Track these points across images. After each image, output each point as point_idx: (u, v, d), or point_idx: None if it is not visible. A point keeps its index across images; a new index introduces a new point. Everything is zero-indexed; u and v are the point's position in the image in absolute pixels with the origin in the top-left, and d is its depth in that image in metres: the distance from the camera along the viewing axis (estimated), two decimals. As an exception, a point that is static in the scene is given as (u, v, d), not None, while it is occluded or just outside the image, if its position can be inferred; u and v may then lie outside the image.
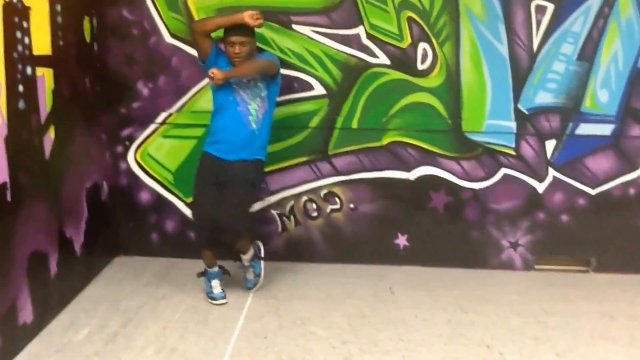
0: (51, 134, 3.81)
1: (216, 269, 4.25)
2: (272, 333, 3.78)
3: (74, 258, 4.20)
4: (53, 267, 3.85)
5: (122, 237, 4.89)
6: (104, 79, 4.60)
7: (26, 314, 3.52)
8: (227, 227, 4.06)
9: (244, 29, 3.85)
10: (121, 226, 4.88)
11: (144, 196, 4.84)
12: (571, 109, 4.58)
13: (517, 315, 4.06)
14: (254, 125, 3.96)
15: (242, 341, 3.68)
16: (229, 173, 4.00)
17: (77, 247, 4.23)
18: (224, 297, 4.17)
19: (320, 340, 3.71)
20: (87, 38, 4.38)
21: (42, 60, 3.70)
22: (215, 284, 4.22)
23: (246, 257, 4.28)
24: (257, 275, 4.31)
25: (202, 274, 4.26)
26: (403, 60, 4.54)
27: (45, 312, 3.77)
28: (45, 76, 3.73)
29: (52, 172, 3.85)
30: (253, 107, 3.95)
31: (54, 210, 3.88)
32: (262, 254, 4.35)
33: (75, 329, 3.76)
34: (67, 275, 4.05)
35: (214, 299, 4.16)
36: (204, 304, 4.16)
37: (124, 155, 4.77)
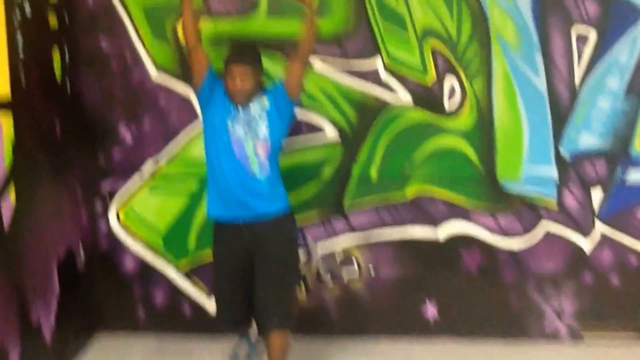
0: (11, 198, 3.30)
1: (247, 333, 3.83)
2: None
3: (43, 348, 3.64)
4: None
5: (102, 312, 4.38)
6: (79, 123, 4.17)
7: None
8: (265, 316, 3.39)
9: (247, 56, 3.42)
10: (101, 299, 4.37)
11: (128, 263, 4.34)
12: (619, 152, 4.14)
13: None
14: (257, 173, 3.40)
15: None
16: (246, 242, 3.42)
17: (47, 333, 3.67)
18: None
19: None
20: (57, 74, 3.93)
21: (-1, 106, 3.31)
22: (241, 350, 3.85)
23: None
24: None
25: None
26: (427, 98, 4.15)
27: None
28: (3, 125, 3.24)
29: (12, 246, 3.31)
30: (250, 149, 3.39)
31: (14, 294, 3.34)
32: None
33: None
34: None
35: None
36: None
37: (104, 214, 4.31)
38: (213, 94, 3.46)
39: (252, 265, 3.45)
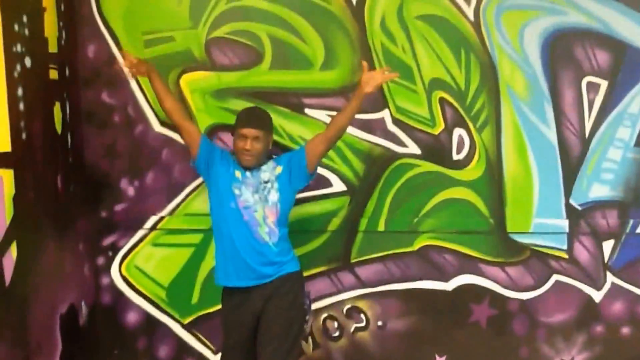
0: (12, 253, 3.22)
1: None
2: None
3: None
4: None
5: None
6: (80, 177, 4.09)
7: None
8: None
9: (260, 121, 3.38)
10: (105, 354, 4.28)
11: (132, 317, 4.24)
12: (630, 203, 4.10)
13: None
14: (267, 239, 3.35)
15: None
16: (254, 305, 3.35)
17: None
18: None
19: None
20: (58, 128, 3.84)
21: (-1, 160, 3.26)
22: None
23: None
24: None
25: None
26: (436, 149, 4.11)
27: None
28: (4, 179, 3.17)
29: (13, 302, 3.22)
30: (260, 215, 3.35)
31: (16, 351, 3.23)
32: None
33: None
34: None
35: None
36: None
37: (106, 269, 4.21)
38: (213, 163, 3.42)
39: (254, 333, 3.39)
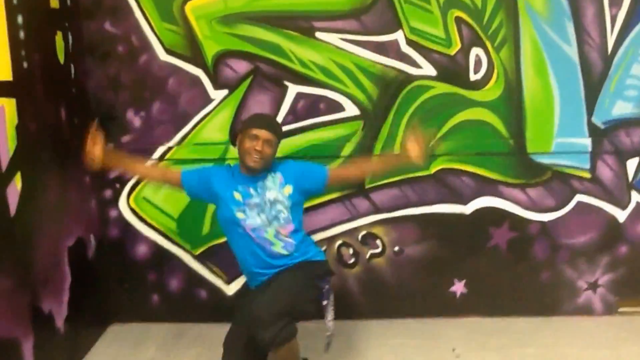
0: (17, 183, 3.52)
1: None
2: None
3: (56, 337, 3.97)
4: (28, 356, 3.54)
5: (115, 301, 4.77)
6: (85, 109, 4.44)
7: None
8: (260, 331, 3.29)
9: (274, 126, 3.67)
10: (114, 288, 4.76)
11: (141, 250, 4.73)
12: None
13: None
14: (283, 252, 3.60)
15: None
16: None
17: (60, 322, 4.00)
18: None
19: None
20: (61, 58, 4.14)
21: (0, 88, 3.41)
22: None
23: None
24: None
25: None
26: (452, 70, 4.44)
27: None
28: (6, 108, 3.44)
29: (19, 232, 3.55)
30: (271, 235, 3.58)
31: (23, 282, 3.58)
32: None
33: None
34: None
35: None
36: None
37: (113, 202, 4.65)
38: (209, 187, 3.69)
39: None
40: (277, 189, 3.61)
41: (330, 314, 3.69)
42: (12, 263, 3.48)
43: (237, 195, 3.58)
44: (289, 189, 3.61)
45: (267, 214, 3.56)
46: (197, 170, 3.81)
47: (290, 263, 3.58)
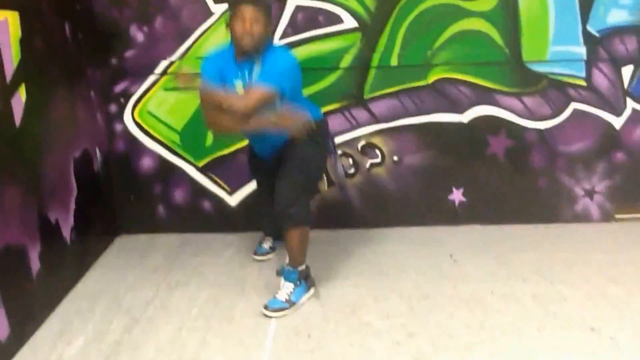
0: (21, 95, 3.71)
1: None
2: (316, 329, 3.79)
3: (63, 246, 4.24)
4: (35, 263, 3.81)
5: (122, 213, 5.17)
6: (88, 24, 4.71)
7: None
8: (280, 214, 4.03)
9: (260, 1, 3.77)
10: (120, 200, 5.14)
11: (146, 162, 5.13)
12: None
13: (614, 283, 4.15)
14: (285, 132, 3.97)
15: (280, 343, 3.67)
16: (278, 154, 4.11)
17: (66, 232, 4.28)
18: (264, 254, 4.80)
19: (379, 334, 3.70)
20: None
21: (2, 1, 3.52)
22: (267, 239, 4.81)
23: (291, 268, 4.15)
24: (288, 303, 4.10)
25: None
26: None
27: (27, 321, 3.71)
28: (9, 21, 3.59)
29: (25, 143, 3.78)
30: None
31: (30, 191, 3.82)
32: (312, 282, 4.25)
33: (67, 339, 3.76)
34: (55, 269, 4.07)
35: (255, 252, 4.77)
36: (227, 291, 4.29)
37: (119, 115, 5.01)
38: (220, 79, 3.96)
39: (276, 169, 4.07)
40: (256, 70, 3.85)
41: (339, 165, 4.32)
42: (19, 172, 3.74)
43: (239, 85, 3.93)
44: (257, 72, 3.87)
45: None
46: (209, 74, 4.00)
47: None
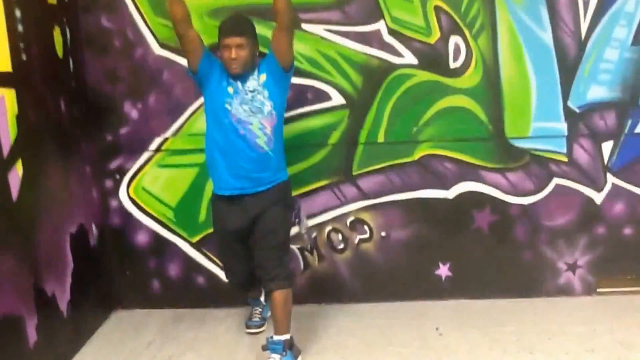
0: (18, 169, 3.39)
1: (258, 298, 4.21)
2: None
3: (60, 319, 3.80)
4: (32, 334, 3.40)
5: (117, 288, 4.56)
6: (83, 101, 4.26)
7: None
8: (265, 277, 3.60)
9: (241, 28, 3.44)
10: (116, 275, 4.56)
11: (141, 238, 4.49)
12: (628, 103, 4.26)
13: (592, 353, 3.67)
14: (265, 148, 3.51)
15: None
16: (249, 210, 3.57)
17: (63, 305, 3.82)
18: (257, 327, 4.11)
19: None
20: (60, 52, 3.98)
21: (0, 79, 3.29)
22: (255, 312, 4.17)
23: (275, 339, 3.61)
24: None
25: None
26: (432, 58, 4.23)
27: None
28: (6, 98, 3.30)
29: (21, 216, 3.43)
30: (256, 127, 3.48)
31: (26, 263, 3.45)
32: (298, 351, 3.75)
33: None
34: (52, 341, 3.65)
35: (247, 326, 4.11)
36: None
37: (114, 191, 4.43)
38: (211, 77, 3.50)
39: (251, 231, 3.61)
40: (256, 80, 3.50)
41: (303, 222, 3.87)
42: (16, 244, 3.38)
43: (230, 89, 3.48)
44: (263, 77, 3.51)
45: (249, 105, 3.48)
46: (212, 55, 3.57)
47: (269, 182, 3.56)
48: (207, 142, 3.59)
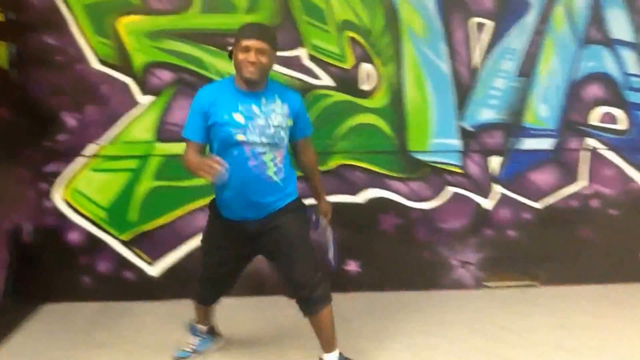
0: None
1: (205, 329, 4.02)
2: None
3: None
4: None
5: (49, 282, 4.89)
6: (25, 110, 4.63)
7: None
8: (308, 299, 3.50)
9: (266, 34, 3.28)
10: (48, 270, 4.88)
11: (74, 236, 4.86)
12: (513, 125, 5.01)
13: (476, 333, 4.32)
14: (275, 178, 3.41)
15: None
16: (252, 230, 3.48)
17: None
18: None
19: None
20: (5, 65, 4.43)
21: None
22: (194, 341, 4.01)
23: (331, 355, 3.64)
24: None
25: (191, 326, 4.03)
26: (347, 82, 4.81)
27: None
28: None
29: None
30: (269, 157, 3.37)
31: None
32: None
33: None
34: None
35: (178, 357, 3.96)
36: (145, 350, 4.14)
37: (49, 193, 4.80)
38: (208, 118, 3.34)
39: (249, 253, 3.62)
40: (282, 116, 3.40)
41: (331, 242, 3.84)
42: None
43: (238, 117, 3.29)
44: (290, 122, 3.43)
45: (269, 138, 3.32)
46: (195, 121, 3.39)
47: (276, 206, 3.47)
48: None
